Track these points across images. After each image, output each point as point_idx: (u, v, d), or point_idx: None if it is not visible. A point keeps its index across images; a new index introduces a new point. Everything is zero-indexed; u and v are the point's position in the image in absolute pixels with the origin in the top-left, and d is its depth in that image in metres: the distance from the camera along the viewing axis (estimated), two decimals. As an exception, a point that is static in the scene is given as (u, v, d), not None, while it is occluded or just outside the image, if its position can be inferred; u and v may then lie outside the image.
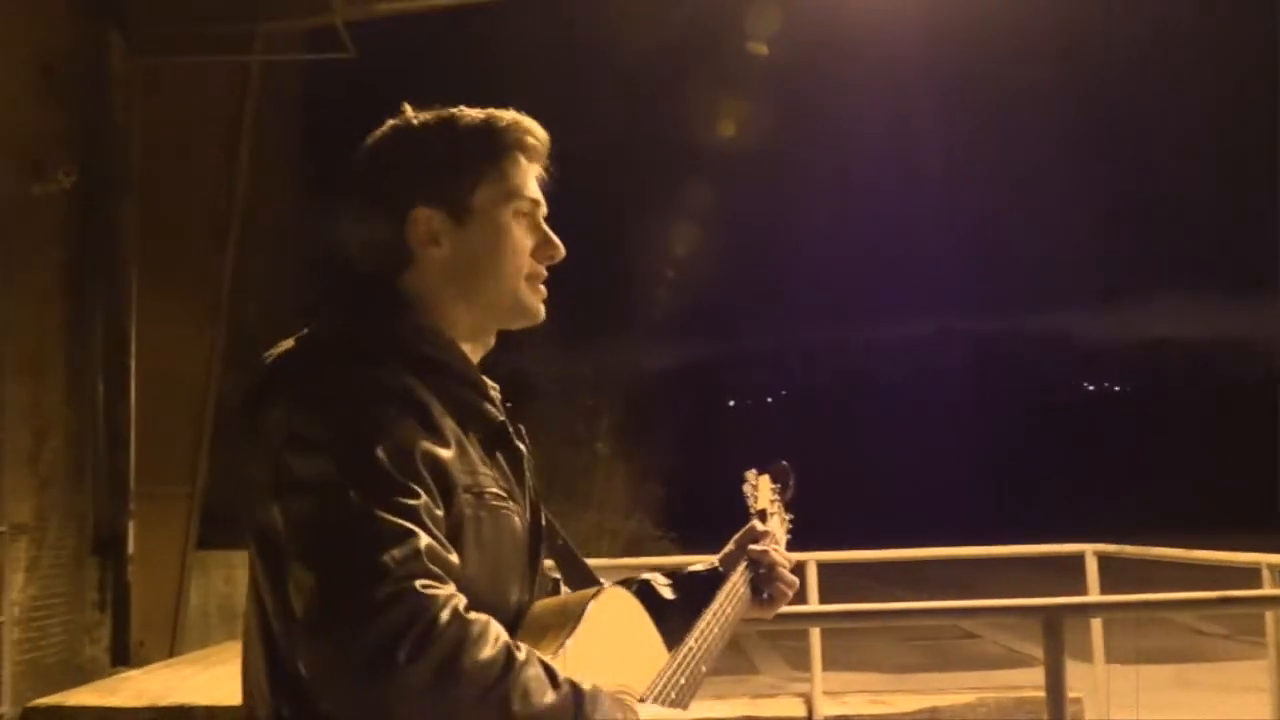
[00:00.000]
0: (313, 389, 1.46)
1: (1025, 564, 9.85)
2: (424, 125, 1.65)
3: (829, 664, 10.10)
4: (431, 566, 1.32)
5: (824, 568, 6.21)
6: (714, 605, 1.86)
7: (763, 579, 2.01)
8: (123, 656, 9.84)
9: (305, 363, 1.52)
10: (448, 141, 1.63)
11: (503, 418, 1.63)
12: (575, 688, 1.37)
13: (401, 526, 1.32)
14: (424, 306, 1.60)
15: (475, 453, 1.54)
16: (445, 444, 1.45)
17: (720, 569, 2.03)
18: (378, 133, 1.67)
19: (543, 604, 1.66)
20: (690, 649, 1.75)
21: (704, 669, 1.78)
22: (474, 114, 1.66)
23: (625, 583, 1.99)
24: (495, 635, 1.33)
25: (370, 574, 1.28)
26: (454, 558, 1.38)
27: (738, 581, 1.96)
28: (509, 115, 1.67)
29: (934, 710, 6.16)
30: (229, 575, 10.32)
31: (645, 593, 1.96)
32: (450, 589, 1.32)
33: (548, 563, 1.83)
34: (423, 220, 1.60)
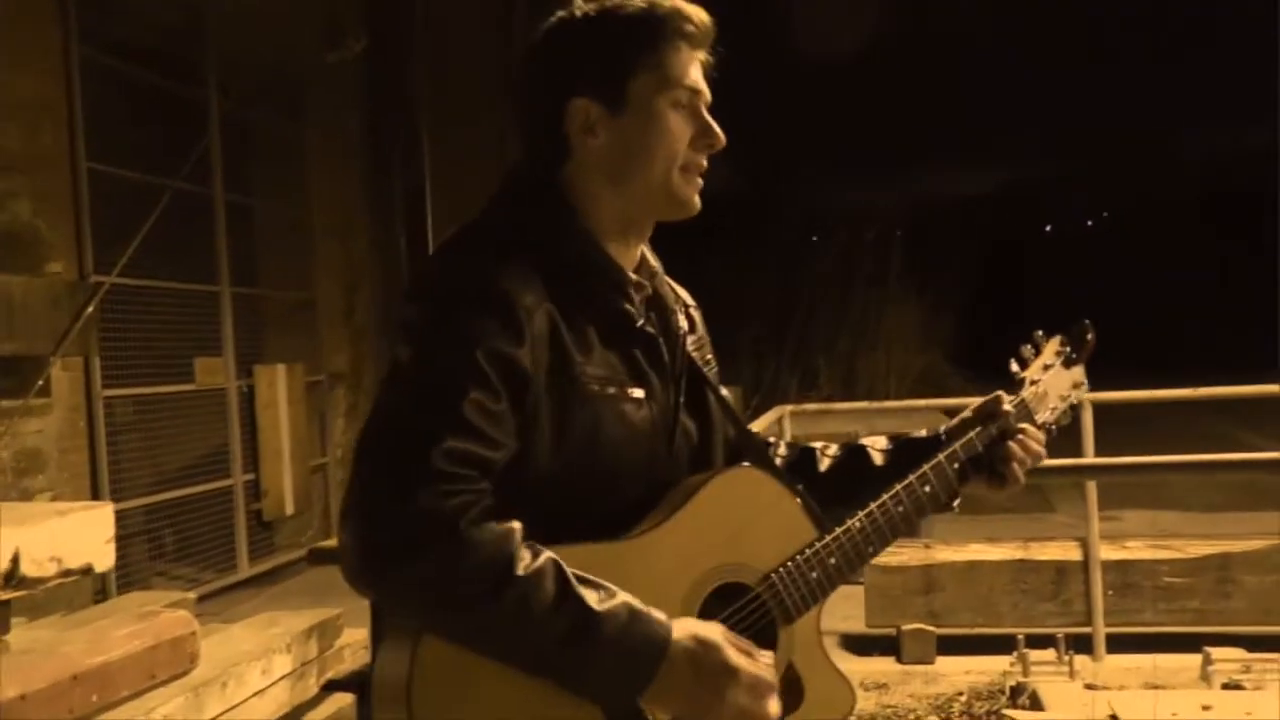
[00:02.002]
0: (423, 281, 1.57)
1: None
2: (585, 16, 1.65)
3: (1130, 503, 9.74)
4: (452, 468, 1.38)
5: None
6: (904, 482, 1.76)
7: (994, 455, 1.85)
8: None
9: (437, 254, 1.61)
10: (606, 31, 1.63)
11: (628, 306, 1.63)
12: (584, 608, 1.38)
13: (432, 430, 1.39)
14: (576, 197, 1.63)
15: (586, 341, 1.56)
16: (520, 340, 1.47)
17: (943, 438, 1.87)
18: (544, 25, 1.68)
19: (685, 481, 1.65)
20: (850, 528, 1.69)
21: (872, 549, 1.72)
22: (635, 3, 1.64)
23: (844, 445, 1.93)
24: (500, 545, 1.37)
25: (390, 474, 1.38)
26: (493, 453, 1.42)
27: (945, 458, 1.81)
28: (669, 2, 1.64)
29: (1225, 556, 5.81)
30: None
31: (858, 456, 1.90)
32: (471, 493, 1.38)
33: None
34: (580, 110, 1.61)
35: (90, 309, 6.73)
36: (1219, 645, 5.24)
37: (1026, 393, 1.94)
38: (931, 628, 5.94)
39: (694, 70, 1.65)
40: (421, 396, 1.44)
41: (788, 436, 6.02)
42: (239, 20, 8.49)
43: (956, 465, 1.82)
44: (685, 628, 1.45)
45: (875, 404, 7.11)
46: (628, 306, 1.63)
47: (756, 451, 1.79)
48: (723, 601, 1.58)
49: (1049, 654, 5.31)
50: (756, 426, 6.07)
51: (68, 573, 2.94)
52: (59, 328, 6.55)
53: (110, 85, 7.42)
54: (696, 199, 1.67)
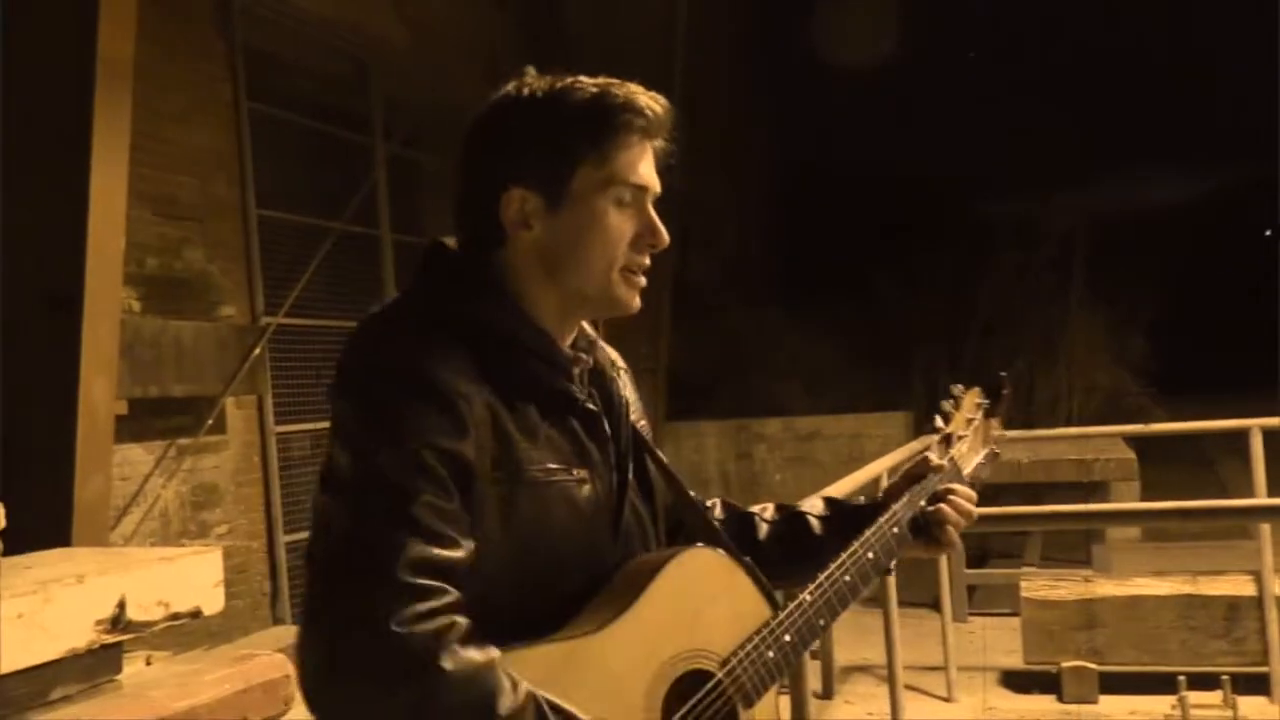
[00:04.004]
0: (350, 374, 1.46)
1: None
2: (531, 98, 1.56)
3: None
4: (420, 580, 1.30)
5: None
6: (845, 553, 1.73)
7: (928, 518, 1.82)
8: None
9: (366, 336, 1.50)
10: (552, 119, 1.54)
11: (567, 384, 1.56)
12: None
13: (390, 540, 1.32)
14: (510, 284, 1.55)
15: (529, 424, 1.49)
16: (463, 432, 1.40)
17: (880, 502, 1.86)
18: (491, 99, 1.59)
19: (634, 562, 1.60)
20: (802, 603, 1.66)
21: (823, 622, 1.68)
22: (586, 89, 1.54)
23: (780, 509, 1.90)
24: (483, 679, 1.29)
25: (354, 594, 1.30)
26: (456, 553, 1.35)
27: (885, 523, 1.78)
28: (622, 92, 1.54)
29: None
30: (699, 444, 10.85)
31: (796, 523, 1.86)
32: (445, 611, 1.30)
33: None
34: (516, 201, 1.53)
35: (258, 350, 7.05)
36: None
37: (955, 449, 1.91)
38: (1093, 665, 5.68)
39: (643, 165, 1.55)
40: (372, 504, 1.34)
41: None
42: (402, 64, 8.78)
43: (895, 530, 1.79)
44: None
45: (1032, 433, 6.82)
46: (567, 384, 1.56)
47: (698, 518, 1.74)
48: (686, 691, 1.53)
49: (1214, 696, 5.00)
50: (902, 453, 5.90)
51: (175, 616, 3.06)
52: (229, 369, 6.87)
53: (277, 135, 7.77)
54: (635, 300, 1.59)
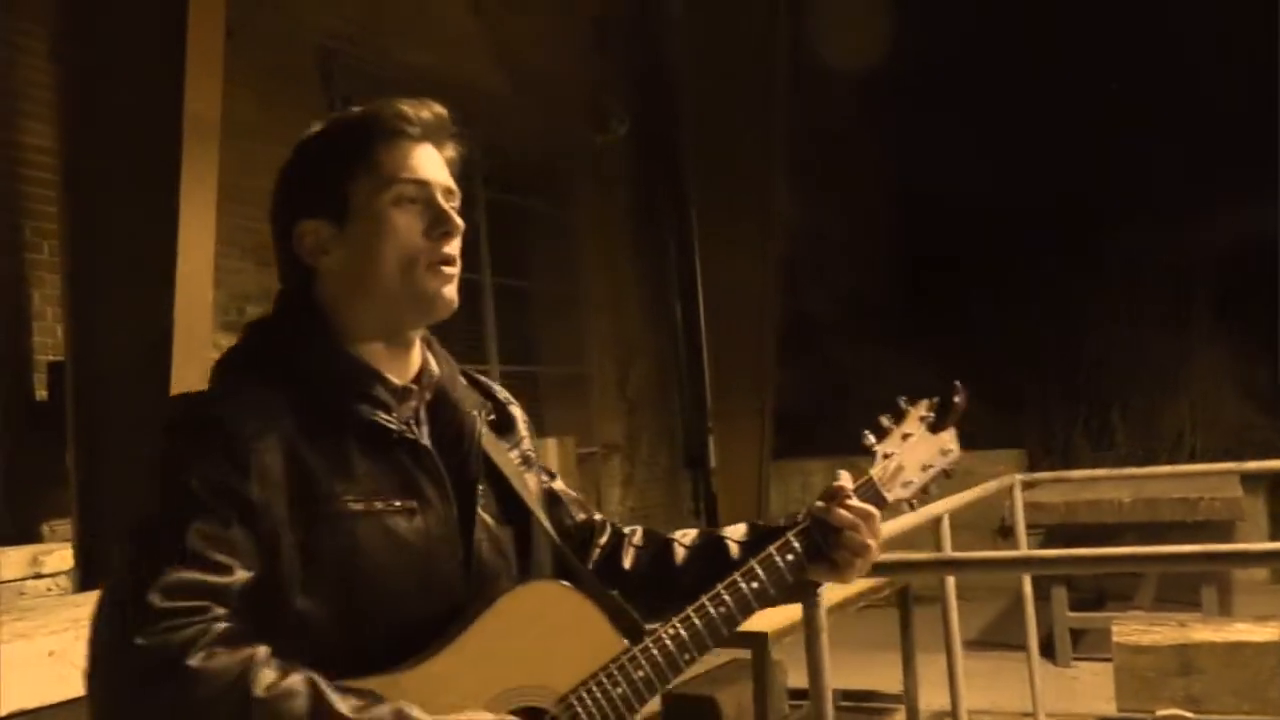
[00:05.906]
0: (167, 415, 1.53)
1: None
2: (304, 140, 1.63)
3: None
4: (175, 603, 1.33)
5: None
6: (727, 581, 1.70)
7: (829, 542, 1.76)
8: (718, 560, 10.66)
9: (202, 386, 1.59)
10: (322, 148, 1.61)
11: (379, 415, 1.55)
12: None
13: (153, 568, 1.35)
14: (329, 317, 1.59)
15: (340, 456, 1.50)
16: (238, 467, 1.42)
17: (799, 523, 1.79)
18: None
19: (483, 598, 1.57)
20: (660, 638, 1.63)
21: (689, 657, 1.65)
22: (349, 113, 1.62)
23: (702, 534, 1.87)
24: (236, 670, 1.31)
25: (113, 621, 1.36)
26: (226, 577, 1.37)
27: (776, 550, 1.74)
28: (384, 104, 1.60)
29: None
30: (805, 483, 10.75)
31: (715, 548, 1.82)
32: (198, 624, 1.33)
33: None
34: (307, 233, 1.59)
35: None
36: None
37: (875, 469, 1.82)
38: (1190, 714, 5.45)
39: (417, 161, 1.58)
40: (145, 535, 1.41)
41: (1020, 509, 5.69)
42: (502, 111, 8.96)
43: (790, 556, 1.74)
44: None
45: (1117, 471, 6.57)
46: (378, 416, 1.54)
47: (571, 561, 1.72)
48: None
49: (1314, 748, 4.77)
50: (972, 494, 5.74)
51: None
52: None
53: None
54: (447, 292, 1.59)
